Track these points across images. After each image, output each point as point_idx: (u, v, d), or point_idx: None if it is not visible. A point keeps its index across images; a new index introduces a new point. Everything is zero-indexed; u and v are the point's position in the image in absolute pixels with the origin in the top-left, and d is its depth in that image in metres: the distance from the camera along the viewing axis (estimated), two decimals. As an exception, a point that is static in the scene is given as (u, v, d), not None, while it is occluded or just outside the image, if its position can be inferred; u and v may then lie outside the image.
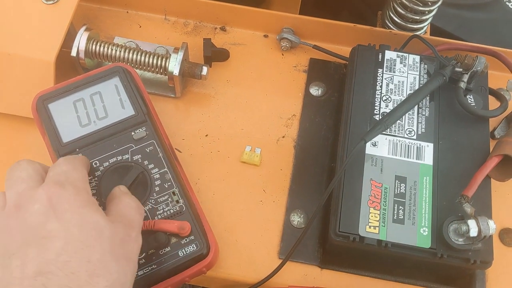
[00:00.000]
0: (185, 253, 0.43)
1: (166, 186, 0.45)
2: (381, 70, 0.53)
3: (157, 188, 0.45)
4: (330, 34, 0.60)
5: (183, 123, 0.55)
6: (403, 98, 0.51)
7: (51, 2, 0.53)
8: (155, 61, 0.53)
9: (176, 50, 0.53)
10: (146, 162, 0.46)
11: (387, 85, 0.52)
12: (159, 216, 0.44)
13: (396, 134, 0.49)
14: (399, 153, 0.48)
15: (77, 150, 0.45)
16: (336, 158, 0.50)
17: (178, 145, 0.53)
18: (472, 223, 0.42)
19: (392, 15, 0.60)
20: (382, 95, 0.51)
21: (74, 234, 0.34)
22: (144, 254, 0.42)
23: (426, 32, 0.63)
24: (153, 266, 0.42)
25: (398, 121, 0.50)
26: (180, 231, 0.42)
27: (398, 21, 0.60)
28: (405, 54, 0.54)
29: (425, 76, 0.53)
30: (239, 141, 0.54)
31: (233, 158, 0.54)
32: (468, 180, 0.46)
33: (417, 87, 0.52)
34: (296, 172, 0.53)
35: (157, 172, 0.45)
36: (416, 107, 0.50)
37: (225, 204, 0.51)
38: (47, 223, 0.34)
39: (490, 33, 0.76)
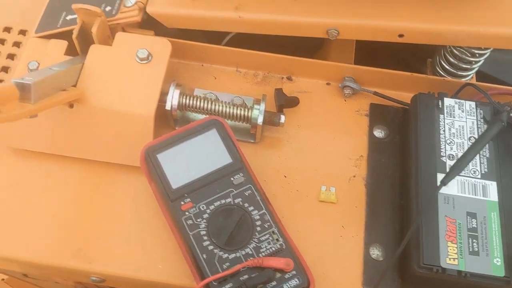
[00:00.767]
0: (289, 286, 0.48)
1: (266, 226, 0.51)
2: (442, 116, 0.59)
3: (258, 228, 0.50)
4: (388, 81, 0.66)
5: (263, 166, 0.61)
6: (465, 141, 0.57)
7: (145, 62, 0.60)
8: (241, 112, 0.59)
9: (257, 101, 0.60)
10: (246, 205, 0.51)
11: (449, 129, 0.58)
12: (263, 254, 0.49)
13: (463, 174, 0.55)
14: (467, 191, 0.54)
15: (185, 195, 0.51)
16: (406, 195, 0.56)
17: (262, 187, 0.59)
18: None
19: (443, 63, 0.67)
20: (446, 138, 0.57)
21: None
22: (253, 289, 0.47)
23: (472, 77, 0.70)
24: (262, 299, 0.47)
25: (463, 162, 0.56)
26: (286, 267, 0.48)
27: (449, 68, 0.67)
28: (461, 101, 0.60)
29: (482, 120, 0.59)
30: (314, 181, 0.60)
31: (311, 197, 0.59)
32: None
33: (475, 131, 0.58)
34: (369, 209, 0.58)
35: (256, 213, 0.51)
36: (478, 149, 0.57)
37: (309, 240, 0.56)
38: None
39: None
